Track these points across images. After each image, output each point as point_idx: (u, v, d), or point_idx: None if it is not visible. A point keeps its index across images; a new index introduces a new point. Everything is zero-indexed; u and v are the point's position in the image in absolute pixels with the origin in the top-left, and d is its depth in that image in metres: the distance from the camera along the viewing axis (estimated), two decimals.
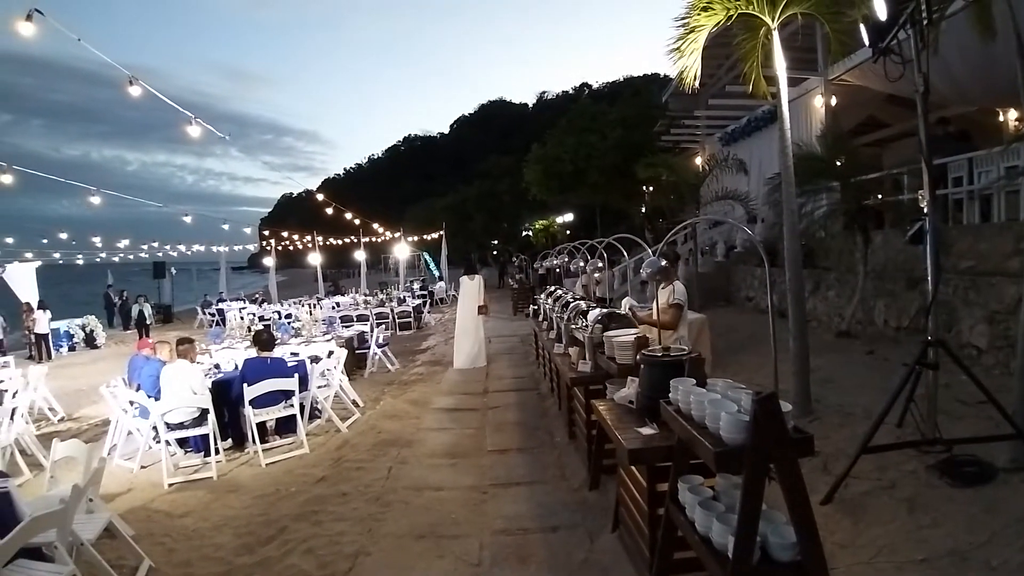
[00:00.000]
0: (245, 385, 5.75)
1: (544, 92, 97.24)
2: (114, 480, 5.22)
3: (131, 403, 5.89)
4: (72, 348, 16.18)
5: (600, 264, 6.74)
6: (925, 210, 4.15)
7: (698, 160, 15.98)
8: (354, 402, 7.29)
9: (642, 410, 3.14)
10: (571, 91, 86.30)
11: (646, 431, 2.94)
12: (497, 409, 6.94)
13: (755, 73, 5.71)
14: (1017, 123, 10.21)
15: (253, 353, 6.46)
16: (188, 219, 16.91)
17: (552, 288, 8.10)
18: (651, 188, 20.83)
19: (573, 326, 5.22)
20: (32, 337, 14.89)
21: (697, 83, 5.36)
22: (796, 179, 8.73)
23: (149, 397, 5.81)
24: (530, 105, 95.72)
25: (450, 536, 3.87)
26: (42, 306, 15.04)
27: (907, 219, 7.90)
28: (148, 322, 18.04)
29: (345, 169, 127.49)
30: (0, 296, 15.78)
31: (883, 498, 3.88)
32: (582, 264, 7.19)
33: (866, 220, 7.76)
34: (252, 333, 8.28)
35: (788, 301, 5.45)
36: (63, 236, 27.39)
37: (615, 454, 4.05)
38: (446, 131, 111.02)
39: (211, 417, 5.61)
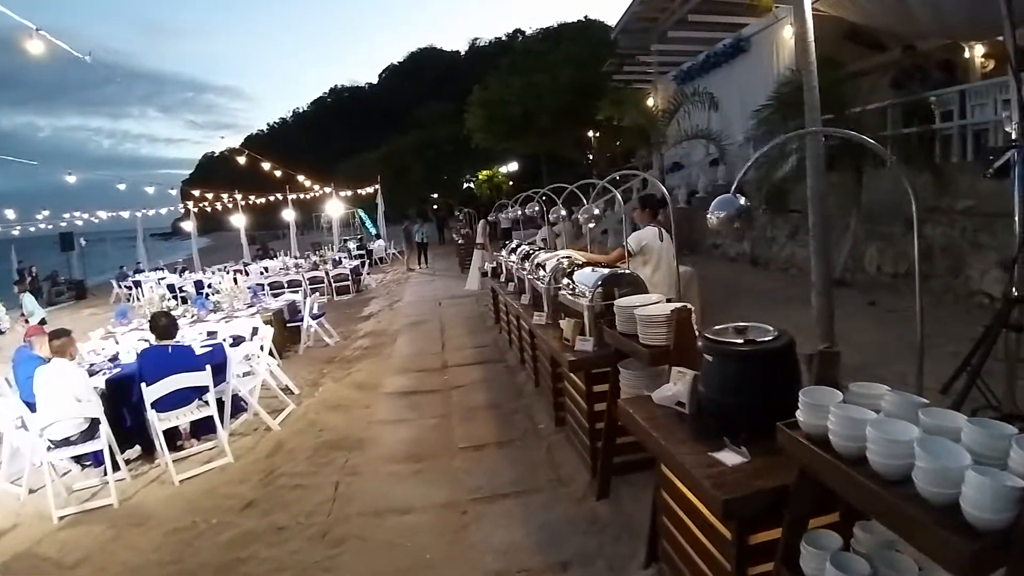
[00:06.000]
0: (144, 385, 4.49)
1: (476, 39, 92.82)
2: None
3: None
4: None
5: (594, 212, 5.54)
6: (1014, 137, 3.33)
7: (650, 101, 14.97)
8: (287, 389, 6.10)
9: (710, 421, 2.17)
10: (504, 37, 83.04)
11: (730, 459, 1.97)
12: (462, 388, 5.92)
13: None
14: (983, 59, 9.73)
15: (151, 342, 5.16)
16: (75, 176, 14.67)
17: (515, 243, 7.01)
18: (599, 133, 19.82)
19: (561, 290, 4.19)
20: None
21: None
22: (780, 115, 7.94)
23: (27, 404, 4.46)
24: (462, 52, 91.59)
25: None
26: None
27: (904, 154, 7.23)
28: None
29: (269, 124, 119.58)
30: None
31: None
32: (563, 213, 6.10)
33: (860, 157, 7.01)
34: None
35: (811, 251, 4.62)
36: None
37: (633, 451, 3.27)
38: (375, 81, 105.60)
39: (104, 428, 4.37)
